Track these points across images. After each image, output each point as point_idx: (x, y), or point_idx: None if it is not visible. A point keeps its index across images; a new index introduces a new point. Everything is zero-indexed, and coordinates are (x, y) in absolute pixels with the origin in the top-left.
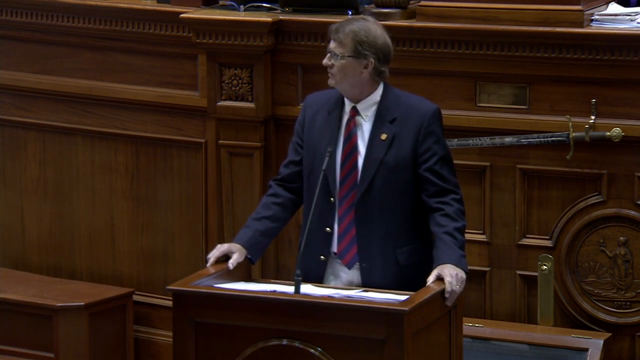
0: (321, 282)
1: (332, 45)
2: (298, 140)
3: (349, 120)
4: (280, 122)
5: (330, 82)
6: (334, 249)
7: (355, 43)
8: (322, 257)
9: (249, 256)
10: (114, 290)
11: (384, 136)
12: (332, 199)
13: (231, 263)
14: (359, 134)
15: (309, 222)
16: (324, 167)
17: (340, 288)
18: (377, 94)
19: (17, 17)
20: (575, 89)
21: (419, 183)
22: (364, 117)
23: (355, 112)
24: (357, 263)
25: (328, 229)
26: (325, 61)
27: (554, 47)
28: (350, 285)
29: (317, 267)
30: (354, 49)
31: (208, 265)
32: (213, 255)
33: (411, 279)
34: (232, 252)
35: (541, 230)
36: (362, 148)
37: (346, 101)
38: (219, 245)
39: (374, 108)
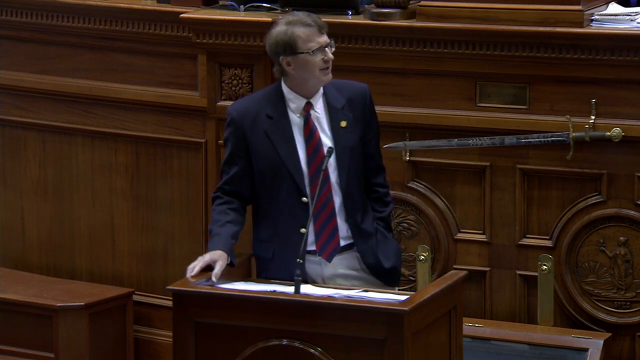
0: (309, 283)
1: (325, 37)
2: (237, 152)
3: (307, 118)
4: None
5: (330, 76)
6: (312, 247)
7: None
8: (298, 259)
9: (230, 260)
10: (114, 290)
11: (343, 123)
12: (303, 198)
13: (214, 275)
14: (318, 128)
15: (282, 227)
16: (323, 167)
17: (340, 288)
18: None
19: (17, 17)
20: (575, 89)
21: (364, 158)
22: (317, 110)
23: (310, 106)
24: (352, 252)
25: (303, 229)
26: (330, 55)
27: (554, 47)
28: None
29: (295, 269)
30: None
31: (191, 274)
32: (197, 265)
33: (380, 245)
34: (215, 261)
35: (541, 230)
36: (326, 140)
37: (291, 99)
38: (200, 257)
39: (321, 100)
